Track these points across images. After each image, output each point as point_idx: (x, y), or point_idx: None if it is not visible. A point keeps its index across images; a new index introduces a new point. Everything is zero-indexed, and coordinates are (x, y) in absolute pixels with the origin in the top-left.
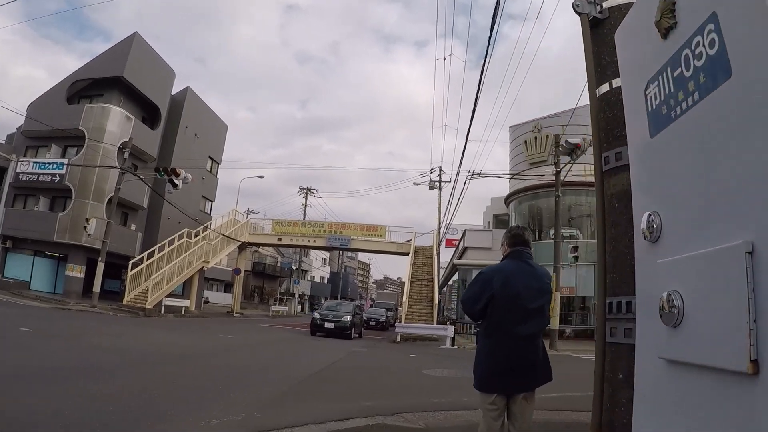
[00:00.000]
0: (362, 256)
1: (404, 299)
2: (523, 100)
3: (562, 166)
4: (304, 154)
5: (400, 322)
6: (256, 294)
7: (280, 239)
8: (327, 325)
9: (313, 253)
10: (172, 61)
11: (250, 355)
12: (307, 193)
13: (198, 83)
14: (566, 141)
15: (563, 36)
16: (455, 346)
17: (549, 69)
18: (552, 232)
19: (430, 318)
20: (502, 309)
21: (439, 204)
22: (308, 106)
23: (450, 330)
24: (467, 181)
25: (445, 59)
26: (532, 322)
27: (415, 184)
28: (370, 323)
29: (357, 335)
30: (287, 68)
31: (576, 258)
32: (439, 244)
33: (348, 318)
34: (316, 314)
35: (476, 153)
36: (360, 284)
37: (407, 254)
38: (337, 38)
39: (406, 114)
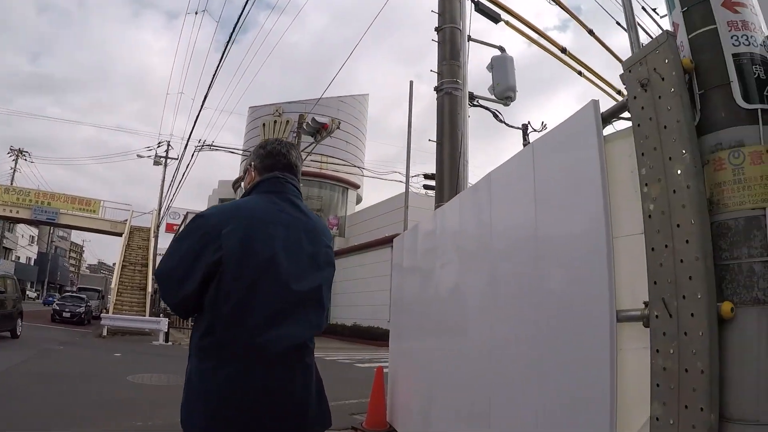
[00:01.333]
0: (75, 237)
1: (113, 285)
2: (264, 88)
3: (302, 148)
4: (24, 114)
5: (107, 312)
6: None
7: None
8: None
9: (20, 228)
10: None
11: None
12: (17, 156)
13: None
14: (313, 119)
15: (314, 34)
16: (170, 342)
17: (296, 62)
18: None
19: (142, 309)
20: (240, 291)
21: (163, 181)
22: (39, 60)
23: (163, 323)
24: (195, 154)
25: (197, 14)
26: (298, 320)
27: (138, 156)
28: (64, 314)
29: None
30: (24, 14)
31: None
32: (158, 227)
33: None
34: None
35: (207, 135)
36: (72, 269)
37: (122, 234)
38: None
39: (143, 87)
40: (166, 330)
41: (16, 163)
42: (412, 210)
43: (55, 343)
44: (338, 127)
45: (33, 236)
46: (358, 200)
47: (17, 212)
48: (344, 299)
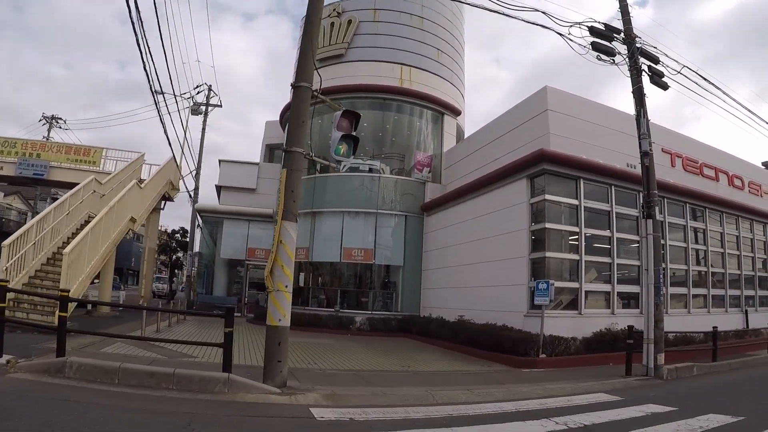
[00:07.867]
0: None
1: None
2: None
3: None
4: (119, 117)
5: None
6: None
7: None
8: None
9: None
10: None
11: None
12: (50, 124)
13: (12, 33)
14: None
15: None
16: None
17: None
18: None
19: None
20: None
21: (203, 132)
22: (127, 68)
23: None
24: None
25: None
26: None
27: (163, 94)
28: None
29: None
30: (108, 26)
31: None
32: (196, 188)
33: None
34: None
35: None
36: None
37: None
38: None
39: (223, 86)
40: None
41: (49, 132)
42: (556, 118)
43: None
44: None
45: None
46: (459, 135)
47: (1, 168)
48: (441, 278)
